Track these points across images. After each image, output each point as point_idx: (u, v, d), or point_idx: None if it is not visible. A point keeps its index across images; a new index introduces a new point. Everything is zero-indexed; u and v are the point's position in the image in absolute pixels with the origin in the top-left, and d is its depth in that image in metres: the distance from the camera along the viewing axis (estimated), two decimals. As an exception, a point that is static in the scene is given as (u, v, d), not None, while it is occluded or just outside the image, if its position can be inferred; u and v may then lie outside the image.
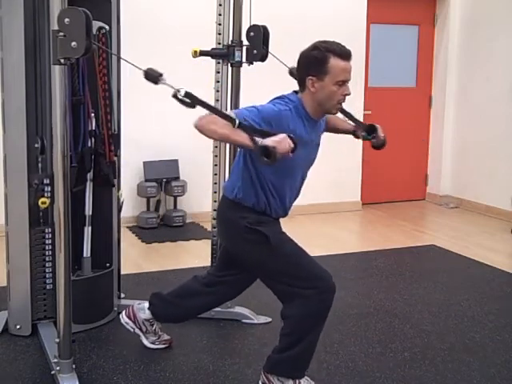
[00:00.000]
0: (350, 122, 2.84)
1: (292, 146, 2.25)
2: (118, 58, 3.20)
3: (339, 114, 2.73)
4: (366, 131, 2.78)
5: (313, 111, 2.50)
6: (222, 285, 2.86)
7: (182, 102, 2.25)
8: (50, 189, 3.00)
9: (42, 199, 3.01)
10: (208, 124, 2.28)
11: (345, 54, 2.42)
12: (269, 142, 2.22)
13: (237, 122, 2.24)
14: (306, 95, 2.49)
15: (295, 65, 2.56)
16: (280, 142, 2.23)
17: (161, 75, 2.28)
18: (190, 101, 2.25)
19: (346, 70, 2.43)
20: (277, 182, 2.52)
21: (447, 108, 6.61)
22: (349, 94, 2.47)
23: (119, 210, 3.42)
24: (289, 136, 2.26)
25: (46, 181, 3.02)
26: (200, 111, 2.30)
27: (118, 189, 3.39)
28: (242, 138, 2.26)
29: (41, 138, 3.02)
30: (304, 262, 2.55)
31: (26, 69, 2.94)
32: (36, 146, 3.01)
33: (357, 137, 2.84)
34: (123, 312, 3.04)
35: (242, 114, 2.34)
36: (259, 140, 2.24)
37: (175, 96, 2.24)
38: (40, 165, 3.04)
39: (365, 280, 4.21)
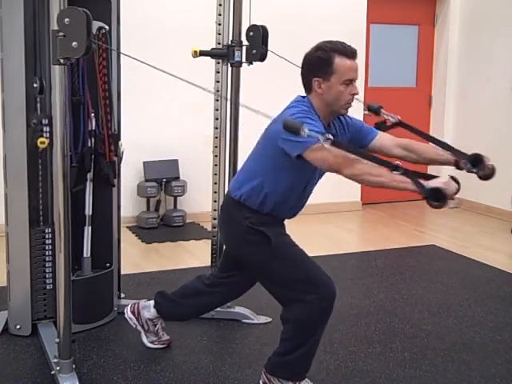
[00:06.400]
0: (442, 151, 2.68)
1: (457, 187, 2.17)
2: (118, 57, 3.19)
3: (431, 145, 2.63)
4: (470, 162, 2.54)
5: (322, 113, 2.46)
6: (225, 286, 2.86)
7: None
8: (48, 129, 2.94)
9: (41, 139, 2.93)
10: (363, 174, 2.27)
11: (350, 53, 2.39)
12: (438, 184, 2.14)
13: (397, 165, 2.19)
14: (313, 97, 2.45)
15: (296, 64, 2.55)
16: (447, 183, 2.15)
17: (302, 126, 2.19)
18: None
19: (352, 69, 2.40)
20: (293, 191, 2.51)
21: (447, 108, 6.61)
22: (357, 94, 2.43)
23: (119, 161, 3.36)
24: (451, 177, 2.18)
25: (45, 121, 2.95)
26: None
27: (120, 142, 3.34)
28: (403, 183, 2.23)
29: (39, 78, 2.96)
30: (306, 266, 2.51)
31: (26, 69, 2.94)
32: (35, 85, 2.96)
33: (460, 169, 2.60)
34: (128, 306, 3.05)
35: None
36: (425, 183, 2.16)
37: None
38: (39, 105, 2.99)
39: (365, 280, 4.21)
